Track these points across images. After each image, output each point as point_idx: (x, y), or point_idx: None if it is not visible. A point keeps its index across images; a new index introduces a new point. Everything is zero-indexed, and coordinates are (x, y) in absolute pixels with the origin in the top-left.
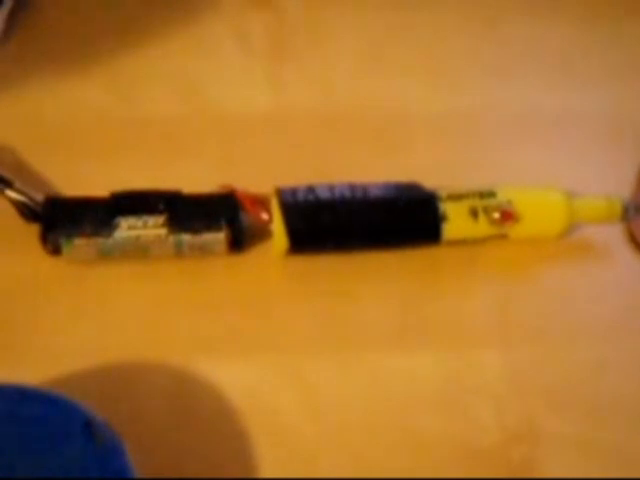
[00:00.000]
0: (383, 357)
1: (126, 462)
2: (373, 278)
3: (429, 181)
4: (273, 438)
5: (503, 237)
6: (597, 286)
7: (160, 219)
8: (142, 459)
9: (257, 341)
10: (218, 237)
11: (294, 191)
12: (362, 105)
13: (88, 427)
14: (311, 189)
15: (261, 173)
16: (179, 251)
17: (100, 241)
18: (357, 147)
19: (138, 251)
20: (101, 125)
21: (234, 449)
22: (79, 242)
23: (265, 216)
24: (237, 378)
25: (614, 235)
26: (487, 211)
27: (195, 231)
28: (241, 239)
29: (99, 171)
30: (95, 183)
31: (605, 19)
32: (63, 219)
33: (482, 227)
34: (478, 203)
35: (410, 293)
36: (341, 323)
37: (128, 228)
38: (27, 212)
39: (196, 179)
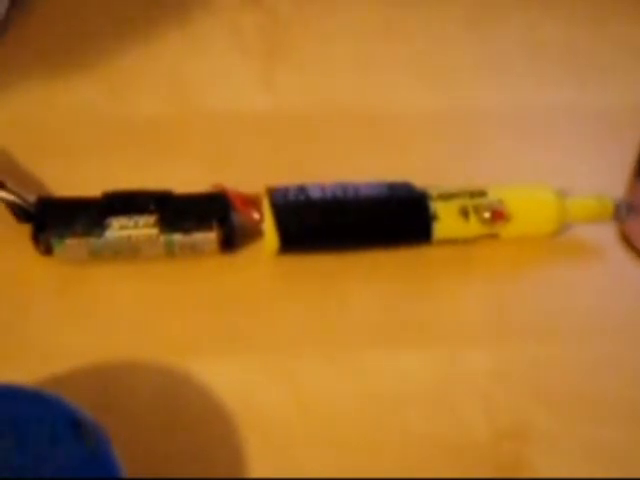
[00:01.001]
0: (374, 356)
1: (115, 462)
2: (364, 277)
3: (421, 180)
4: (263, 437)
5: (494, 237)
6: (589, 285)
7: (151, 219)
8: (132, 459)
9: (248, 340)
10: (209, 237)
11: (285, 191)
12: (354, 104)
13: (77, 427)
14: (302, 189)
15: (254, 173)
16: (170, 251)
17: (91, 241)
18: (349, 146)
19: (129, 251)
20: (94, 125)
21: (225, 448)
22: (71, 242)
23: (256, 216)
24: (228, 377)
25: (606, 235)
26: (478, 210)
27: (186, 231)
28: (232, 239)
29: (92, 171)
30: (88, 183)
31: (595, 17)
32: (55, 219)
33: (473, 227)
34: (469, 202)
35: (401, 292)
36: (332, 322)
37: (119, 228)
38: (19, 212)
39: (189, 178)
